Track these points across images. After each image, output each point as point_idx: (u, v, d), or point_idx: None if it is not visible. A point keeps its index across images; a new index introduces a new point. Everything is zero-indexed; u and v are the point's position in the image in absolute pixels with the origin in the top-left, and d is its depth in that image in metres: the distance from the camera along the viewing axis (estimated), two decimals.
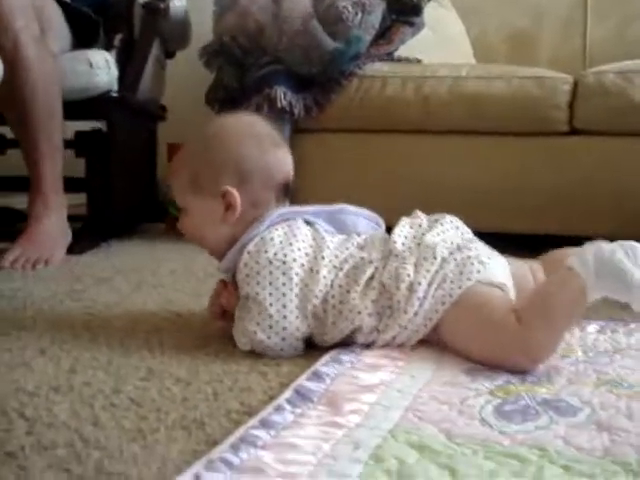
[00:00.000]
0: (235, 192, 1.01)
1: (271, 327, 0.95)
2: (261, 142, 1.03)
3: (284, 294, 0.96)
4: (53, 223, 1.72)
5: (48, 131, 1.71)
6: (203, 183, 1.03)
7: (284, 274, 0.96)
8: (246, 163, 1.02)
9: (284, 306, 0.95)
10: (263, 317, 0.95)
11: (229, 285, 1.04)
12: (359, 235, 1.04)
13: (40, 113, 1.69)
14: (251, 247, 0.99)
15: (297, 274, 0.96)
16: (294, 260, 0.97)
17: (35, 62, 1.67)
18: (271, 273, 0.96)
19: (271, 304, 0.95)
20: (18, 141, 1.78)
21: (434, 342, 0.97)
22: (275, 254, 0.97)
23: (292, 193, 1.08)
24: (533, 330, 0.89)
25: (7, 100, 1.70)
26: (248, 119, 1.11)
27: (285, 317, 0.95)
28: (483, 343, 0.92)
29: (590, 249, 0.90)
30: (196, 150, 1.06)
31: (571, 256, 0.90)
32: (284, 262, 0.96)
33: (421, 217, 1.05)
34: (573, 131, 1.86)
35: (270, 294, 0.96)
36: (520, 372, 0.88)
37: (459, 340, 0.95)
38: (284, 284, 0.96)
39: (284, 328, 0.95)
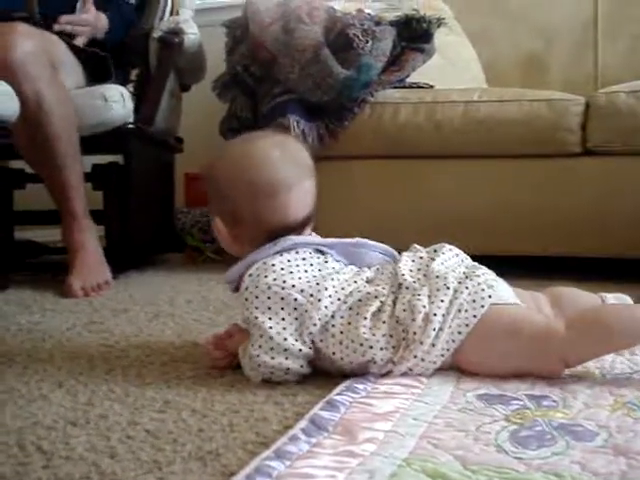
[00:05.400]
0: (220, 225, 1.04)
1: (272, 349, 0.96)
2: (271, 189, 1.00)
3: (283, 318, 0.97)
4: (94, 246, 1.84)
5: (73, 165, 1.80)
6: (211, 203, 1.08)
7: (282, 299, 0.97)
8: (238, 210, 1.02)
9: (284, 328, 0.96)
10: (265, 339, 0.97)
11: (240, 331, 1.06)
12: (369, 268, 1.05)
13: (65, 150, 1.78)
14: (253, 270, 1.00)
15: (296, 299, 0.97)
16: (293, 286, 0.98)
17: (55, 104, 1.75)
18: (269, 298, 0.97)
19: (271, 327, 0.96)
20: (43, 178, 1.85)
21: (449, 368, 0.98)
22: (275, 280, 0.98)
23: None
24: (582, 343, 0.92)
25: (30, 144, 1.78)
26: (272, 157, 1.03)
27: (286, 339, 0.96)
28: (520, 354, 0.94)
29: None
30: (213, 171, 1.07)
31: None
32: (283, 287, 0.97)
33: (420, 250, 1.06)
34: (586, 152, 1.86)
35: (269, 318, 0.97)
36: (537, 391, 0.88)
37: (487, 360, 0.96)
38: (282, 308, 0.97)
39: (285, 349, 0.96)
